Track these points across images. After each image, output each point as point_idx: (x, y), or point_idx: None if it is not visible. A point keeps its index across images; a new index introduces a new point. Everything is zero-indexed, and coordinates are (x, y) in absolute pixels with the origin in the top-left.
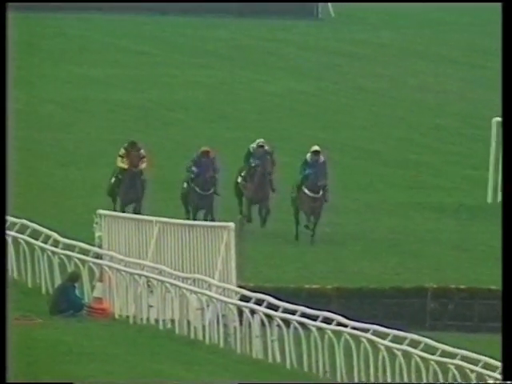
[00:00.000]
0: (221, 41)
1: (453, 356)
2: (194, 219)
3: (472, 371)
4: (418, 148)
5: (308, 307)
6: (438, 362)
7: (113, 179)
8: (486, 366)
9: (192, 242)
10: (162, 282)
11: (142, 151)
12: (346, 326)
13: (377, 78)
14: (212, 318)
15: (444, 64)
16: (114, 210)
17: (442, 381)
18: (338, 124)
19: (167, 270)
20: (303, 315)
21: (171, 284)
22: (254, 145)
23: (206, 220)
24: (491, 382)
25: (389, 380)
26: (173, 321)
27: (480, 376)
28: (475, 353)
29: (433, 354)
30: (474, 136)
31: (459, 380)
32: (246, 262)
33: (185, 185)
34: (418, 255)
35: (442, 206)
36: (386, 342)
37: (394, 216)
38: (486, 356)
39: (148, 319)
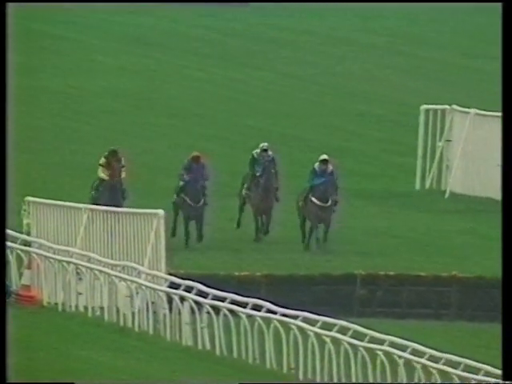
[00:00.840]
0: (147, 27)
1: (381, 342)
2: (186, 230)
3: (400, 357)
4: (345, 135)
5: (237, 294)
6: (366, 349)
7: (93, 192)
8: (414, 352)
9: (121, 229)
10: (91, 269)
11: (122, 160)
12: (275, 312)
13: (304, 65)
14: (141, 305)
15: (370, 51)
16: None
17: (370, 366)
18: (265, 111)
19: (96, 258)
20: (233, 302)
21: (100, 271)
22: (257, 150)
23: (198, 232)
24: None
25: (317, 366)
26: (102, 308)
27: (408, 362)
28: (403, 339)
29: (361, 341)
30: (401, 123)
31: (387, 365)
32: (176, 249)
33: (175, 196)
34: (347, 242)
35: (370, 192)
36: (315, 329)
37: None
38: (414, 342)
39: (77, 306)
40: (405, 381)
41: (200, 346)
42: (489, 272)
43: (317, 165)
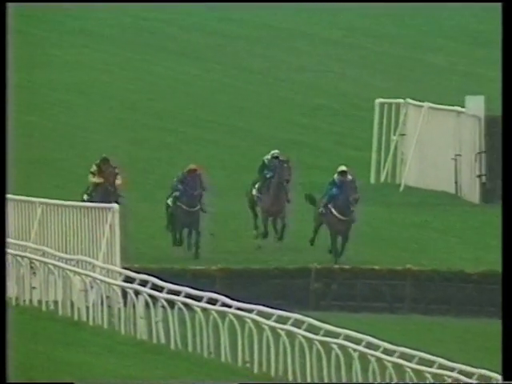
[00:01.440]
0: (101, 20)
1: (336, 335)
2: (180, 237)
3: (355, 350)
4: (300, 128)
5: (192, 288)
6: (321, 342)
7: (85, 196)
8: (369, 346)
9: (76, 223)
10: (45, 263)
11: (116, 168)
12: (230, 306)
13: (259, 59)
14: (96, 300)
15: (326, 45)
16: None
17: (325, 360)
18: (221, 104)
19: (50, 252)
20: (188, 296)
21: (54, 265)
22: (268, 156)
23: (196, 239)
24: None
25: (272, 360)
26: (56, 302)
27: (363, 355)
28: (358, 332)
29: (316, 334)
30: (356, 117)
31: (341, 359)
32: (130, 243)
33: (169, 202)
34: (302, 236)
35: (325, 186)
36: (270, 323)
37: None
38: (368, 335)
39: (31, 301)
40: (359, 374)
41: (155, 340)
42: (443, 265)
43: (336, 176)
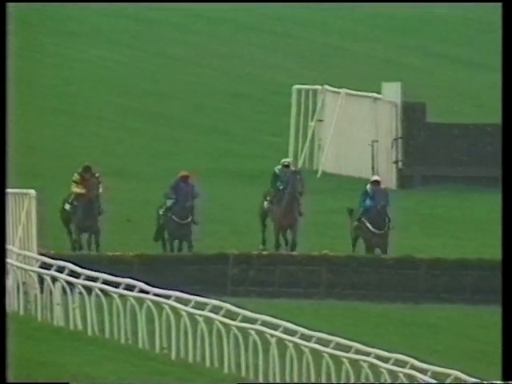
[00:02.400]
0: (19, 6)
1: (253, 321)
2: (171, 249)
3: (272, 336)
4: (220, 114)
5: (110, 274)
6: (238, 328)
7: (67, 205)
8: (286, 331)
9: None
10: None
11: (98, 175)
12: (147, 292)
13: (185, 46)
14: (12, 286)
15: (247, 32)
16: (69, 236)
17: (242, 345)
18: (143, 91)
19: None
20: (105, 282)
21: None
22: (279, 166)
23: (188, 250)
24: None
25: (190, 346)
26: None
27: (279, 341)
28: (275, 318)
29: (234, 320)
30: (274, 103)
31: (259, 344)
32: (47, 229)
33: (161, 212)
34: (222, 221)
35: (243, 172)
36: (187, 309)
37: (201, 182)
38: (285, 321)
39: None
40: (277, 360)
41: (72, 327)
42: (360, 251)
43: (368, 186)
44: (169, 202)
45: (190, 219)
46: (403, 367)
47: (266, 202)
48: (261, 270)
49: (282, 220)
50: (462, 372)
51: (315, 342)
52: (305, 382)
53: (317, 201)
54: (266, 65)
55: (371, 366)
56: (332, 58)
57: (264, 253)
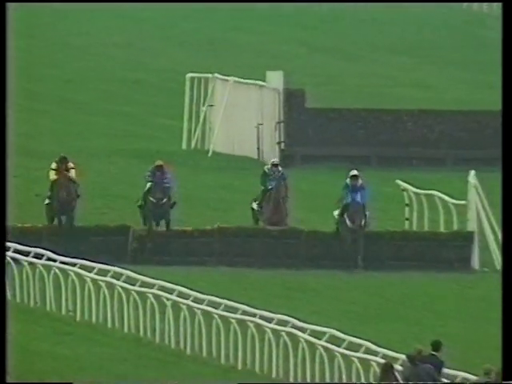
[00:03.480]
0: None
1: (151, 286)
2: (150, 225)
3: (168, 299)
4: (121, 99)
5: (20, 244)
6: (137, 292)
7: (48, 192)
8: (180, 295)
9: None
10: None
11: (70, 163)
12: (55, 260)
13: (82, 36)
14: None
15: (144, 23)
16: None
17: (141, 309)
18: (49, 77)
19: None
20: (16, 251)
21: None
22: (268, 165)
23: (166, 227)
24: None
25: (93, 309)
26: None
27: (174, 304)
28: (170, 283)
29: (133, 285)
30: (170, 89)
31: (156, 307)
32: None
33: (140, 201)
34: (122, 197)
35: (141, 152)
36: (91, 275)
37: (101, 161)
38: (179, 286)
39: None
40: (172, 321)
41: None
42: (248, 222)
43: (348, 180)
44: (148, 185)
45: (165, 200)
46: (285, 326)
47: (254, 204)
48: (158, 243)
49: (271, 217)
50: (338, 331)
51: (207, 305)
52: (197, 341)
53: (208, 178)
54: (163, 54)
55: (257, 325)
56: (222, 49)
57: (161, 230)
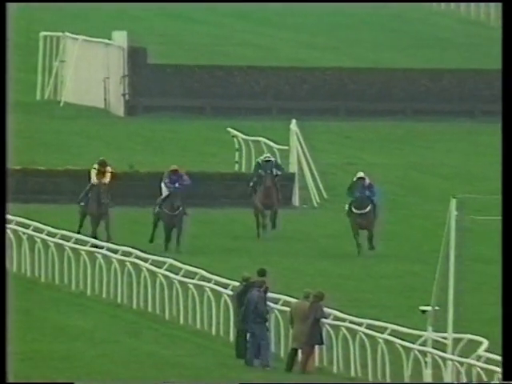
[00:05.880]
0: None
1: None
2: (167, 239)
3: (24, 234)
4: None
5: None
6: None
7: (82, 194)
8: (36, 229)
9: None
10: None
11: (108, 167)
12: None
13: None
14: None
15: None
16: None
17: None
18: None
19: None
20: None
21: None
22: (262, 157)
23: (177, 238)
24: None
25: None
26: None
27: (30, 237)
28: (28, 219)
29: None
30: (25, 47)
31: (13, 241)
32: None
33: (157, 208)
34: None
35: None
36: None
37: None
38: (35, 221)
39: None
40: (26, 253)
41: None
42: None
43: (355, 180)
44: (163, 195)
45: (180, 209)
46: (129, 257)
47: (252, 191)
48: (20, 181)
49: (263, 200)
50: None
51: (59, 238)
52: (50, 271)
53: (61, 125)
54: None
55: (104, 256)
56: (73, 11)
57: (39, 167)
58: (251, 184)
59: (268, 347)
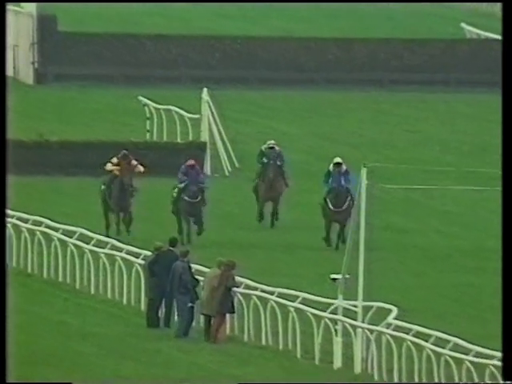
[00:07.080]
0: None
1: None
2: (188, 228)
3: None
4: None
5: None
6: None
7: (102, 186)
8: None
9: None
10: None
11: (133, 161)
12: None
13: None
14: None
15: None
16: (106, 218)
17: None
18: None
19: None
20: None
21: None
22: (265, 145)
23: (198, 226)
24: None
25: None
26: None
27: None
28: None
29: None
30: None
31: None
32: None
33: (174, 194)
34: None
35: None
36: None
37: None
38: None
39: None
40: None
41: None
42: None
43: (331, 167)
44: (181, 185)
45: (199, 198)
46: (39, 226)
47: (257, 180)
48: None
49: (267, 190)
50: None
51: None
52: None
53: None
54: None
55: (14, 225)
56: None
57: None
58: (256, 181)
59: (191, 317)
